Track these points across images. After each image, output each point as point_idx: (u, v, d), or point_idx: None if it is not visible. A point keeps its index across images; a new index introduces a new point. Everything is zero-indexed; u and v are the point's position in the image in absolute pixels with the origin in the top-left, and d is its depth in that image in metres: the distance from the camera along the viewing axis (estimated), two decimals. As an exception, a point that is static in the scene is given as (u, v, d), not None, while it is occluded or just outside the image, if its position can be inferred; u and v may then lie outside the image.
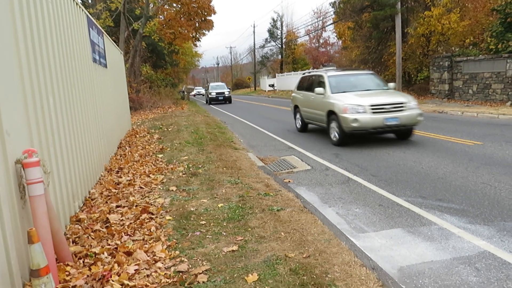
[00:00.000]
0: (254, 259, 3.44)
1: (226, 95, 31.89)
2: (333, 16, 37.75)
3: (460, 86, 19.93)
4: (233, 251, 3.62)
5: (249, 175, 6.42)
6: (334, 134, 9.43)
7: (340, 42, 41.72)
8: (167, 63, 30.68)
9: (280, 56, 55.08)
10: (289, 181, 6.48)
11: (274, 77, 53.14)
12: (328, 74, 10.55)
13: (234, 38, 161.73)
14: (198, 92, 45.04)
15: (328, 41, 58.18)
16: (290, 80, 44.33)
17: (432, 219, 4.52)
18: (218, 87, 33.26)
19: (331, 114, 9.46)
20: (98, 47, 7.53)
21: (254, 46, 61.76)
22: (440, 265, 3.46)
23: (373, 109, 8.71)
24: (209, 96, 32.03)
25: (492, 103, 17.39)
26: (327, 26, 50.23)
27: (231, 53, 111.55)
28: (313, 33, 56.55)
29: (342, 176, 6.64)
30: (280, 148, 9.66)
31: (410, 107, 9.02)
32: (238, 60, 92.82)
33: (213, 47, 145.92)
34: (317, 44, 58.29)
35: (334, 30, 41.30)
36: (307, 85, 11.62)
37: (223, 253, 3.59)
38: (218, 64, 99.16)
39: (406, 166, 7.01)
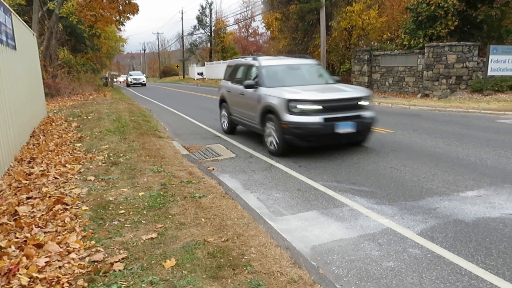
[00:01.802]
0: (173, 245, 3.46)
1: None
2: (262, 6, 38.18)
3: (378, 78, 21.32)
4: (152, 238, 3.60)
5: (172, 164, 6.36)
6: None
7: (269, 32, 42.34)
8: (87, 47, 28.90)
9: (209, 44, 54.50)
10: (213, 169, 6.53)
11: (203, 65, 52.57)
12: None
13: (162, 24, 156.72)
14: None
15: (257, 31, 58.78)
16: (219, 68, 44.12)
17: (345, 201, 4.85)
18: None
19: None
20: (4, 27, 6.91)
21: (183, 33, 60.49)
22: (348, 242, 3.75)
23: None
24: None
25: (405, 95, 18.86)
26: (256, 16, 50.66)
27: (158, 39, 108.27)
28: (242, 22, 56.74)
29: (265, 163, 6.83)
30: (206, 136, 9.66)
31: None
32: (166, 47, 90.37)
33: (139, 32, 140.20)
34: (246, 34, 58.60)
35: (262, 20, 41.76)
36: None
37: (141, 241, 3.55)
38: (144, 50, 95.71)
39: (325, 153, 7.39)
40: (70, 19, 24.22)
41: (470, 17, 18.17)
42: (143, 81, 44.64)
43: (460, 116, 12.14)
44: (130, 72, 52.32)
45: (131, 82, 44.30)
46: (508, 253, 3.41)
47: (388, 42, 23.11)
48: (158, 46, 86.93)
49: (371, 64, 21.67)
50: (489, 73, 15.93)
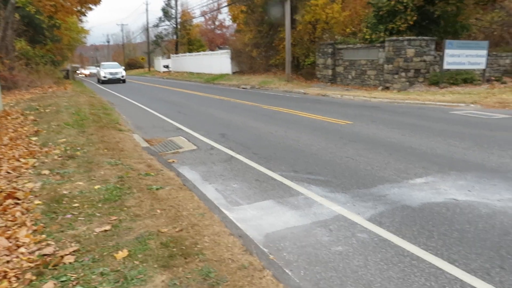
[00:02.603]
0: (126, 236, 3.46)
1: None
2: (228, -2, 37.94)
3: (342, 71, 21.75)
4: (105, 231, 3.58)
5: (131, 156, 6.30)
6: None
7: (235, 25, 42.17)
8: (47, 38, 27.77)
9: (175, 37, 53.68)
10: (173, 161, 6.51)
11: (169, 57, 51.77)
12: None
13: (126, 15, 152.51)
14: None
15: (223, 24, 58.37)
16: (186, 61, 43.64)
17: (300, 190, 4.98)
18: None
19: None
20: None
21: (148, 25, 59.20)
22: (301, 229, 3.87)
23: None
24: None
25: (367, 88, 19.36)
26: (222, 8, 50.27)
27: (122, 30, 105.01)
28: (209, 15, 56.18)
29: (225, 155, 6.88)
30: (168, 129, 9.59)
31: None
32: (131, 39, 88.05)
33: (102, 23, 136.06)
34: (212, 26, 58.09)
35: (229, 13, 41.53)
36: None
37: (94, 233, 3.53)
38: (108, 42, 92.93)
39: (285, 144, 7.53)
40: (27, 9, 23.22)
41: (428, 13, 18.80)
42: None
43: (417, 108, 12.62)
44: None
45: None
46: (448, 234, 3.64)
47: (351, 36, 23.55)
48: (123, 38, 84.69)
49: (335, 57, 22.07)
50: (445, 66, 16.60)
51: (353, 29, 24.80)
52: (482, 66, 17.34)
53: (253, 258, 3.13)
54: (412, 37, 17.38)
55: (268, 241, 3.66)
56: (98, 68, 37.60)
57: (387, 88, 18.05)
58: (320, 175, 5.55)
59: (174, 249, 3.21)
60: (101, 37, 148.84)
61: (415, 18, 18.34)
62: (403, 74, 17.43)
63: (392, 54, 17.72)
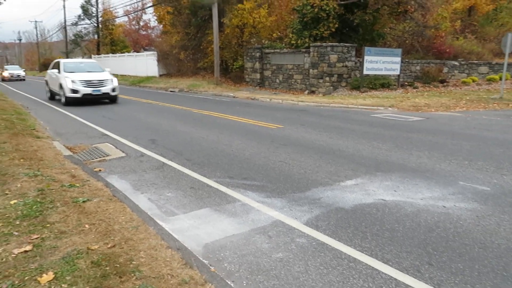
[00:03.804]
0: (51, 257, 3.15)
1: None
2: (153, -2, 36.88)
3: (269, 75, 22.18)
4: (25, 251, 3.23)
5: (52, 166, 5.79)
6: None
7: (161, 26, 41.09)
8: None
9: (96, 36, 50.90)
10: (100, 170, 6.11)
11: (91, 58, 48.96)
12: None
13: (40, 12, 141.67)
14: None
15: (149, 24, 56.56)
16: (108, 62, 41.50)
17: (237, 196, 4.93)
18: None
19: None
20: None
21: (65, 23, 55.38)
22: (240, 237, 3.82)
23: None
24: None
25: (294, 91, 19.95)
26: (146, 8, 48.67)
27: (36, 28, 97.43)
28: (133, 15, 54.11)
29: (157, 162, 6.62)
30: (92, 135, 9.01)
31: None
32: (47, 37, 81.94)
33: (13, 19, 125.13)
34: (137, 27, 56.07)
35: (154, 13, 40.35)
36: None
37: (12, 255, 3.16)
38: (20, 39, 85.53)
39: (218, 149, 7.44)
40: None
41: (348, 21, 19.93)
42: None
43: (342, 111, 13.25)
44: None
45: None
46: (380, 235, 3.82)
47: (278, 41, 24.14)
48: (37, 35, 78.46)
49: (263, 61, 22.45)
50: (365, 72, 17.67)
51: (279, 34, 25.44)
52: (397, 72, 18.74)
53: (193, 271, 3.01)
54: (334, 44, 18.25)
55: (208, 251, 3.55)
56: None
57: (313, 92, 18.75)
58: (256, 180, 5.55)
59: (107, 268, 2.97)
60: (11, 34, 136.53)
61: (336, 25, 19.32)
62: (327, 78, 18.22)
63: (317, 60, 18.45)
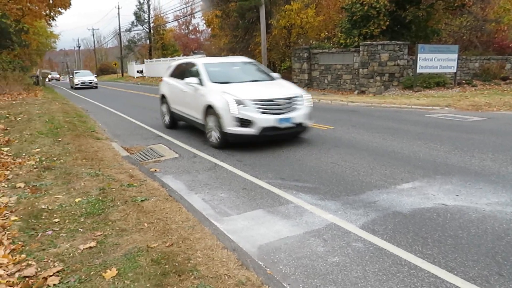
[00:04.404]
0: (113, 253, 3.28)
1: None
2: (201, 2, 37.74)
3: (318, 76, 21.92)
4: (90, 247, 3.39)
5: (112, 166, 6.06)
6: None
7: (210, 30, 41.98)
8: (14, 43, 26.74)
9: (148, 41, 52.93)
10: (155, 170, 6.32)
11: (143, 63, 50.99)
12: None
13: (97, 20, 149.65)
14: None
15: (198, 28, 58.05)
16: (159, 66, 43.02)
17: (290, 198, 4.90)
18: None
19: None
20: None
21: (120, 29, 58.07)
22: (294, 240, 3.78)
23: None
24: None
25: (343, 92, 19.57)
26: (195, 12, 49.98)
27: (94, 35, 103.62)
28: (182, 19, 55.74)
29: (209, 163, 6.73)
30: (147, 136, 9.35)
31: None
32: (103, 44, 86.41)
33: (73, 28, 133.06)
34: (186, 31, 57.66)
35: (203, 18, 41.31)
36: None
37: (79, 251, 3.33)
38: (79, 47, 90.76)
39: (269, 150, 7.44)
40: (-7, 12, 22.35)
41: (400, 18, 19.24)
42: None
43: (394, 111, 12.80)
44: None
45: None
46: (442, 241, 3.62)
47: (326, 41, 23.83)
48: (94, 42, 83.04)
49: (311, 62, 22.22)
50: (418, 70, 16.96)
51: (327, 33, 25.11)
52: (453, 70, 17.82)
53: (249, 273, 3.01)
54: (386, 42, 17.70)
55: (262, 253, 3.55)
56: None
57: (363, 92, 18.29)
58: (308, 182, 5.49)
59: (166, 266, 3.05)
60: (71, 42, 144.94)
61: (387, 23, 18.72)
62: (378, 78, 17.70)
63: (367, 59, 17.98)
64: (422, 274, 3.11)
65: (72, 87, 33.62)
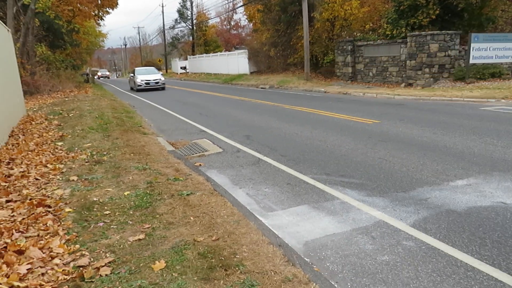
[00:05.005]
0: (161, 246, 3.33)
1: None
2: (243, -2, 37.81)
3: (362, 69, 21.36)
4: (139, 239, 3.47)
5: (158, 161, 6.20)
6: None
7: (251, 24, 42.02)
8: (66, 43, 28.15)
9: (191, 38, 53.84)
10: (200, 165, 6.39)
11: (186, 59, 51.96)
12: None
13: (142, 18, 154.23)
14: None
15: (239, 24, 58.33)
16: (202, 62, 43.73)
17: (335, 194, 4.78)
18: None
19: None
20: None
21: (164, 27, 59.47)
22: (341, 237, 3.68)
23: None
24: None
25: (389, 85, 18.94)
26: (237, 8, 50.17)
27: (139, 33, 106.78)
28: (224, 15, 56.20)
29: (252, 157, 6.72)
30: (191, 131, 9.50)
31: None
32: (147, 41, 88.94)
33: (119, 26, 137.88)
34: (228, 26, 58.10)
35: (244, 13, 41.40)
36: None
37: (128, 242, 3.41)
38: (125, 45, 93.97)
39: (313, 145, 7.32)
40: (47, 14, 23.56)
41: (451, 6, 18.27)
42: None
43: (444, 104, 12.22)
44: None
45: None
46: (502, 242, 3.39)
47: (371, 33, 23.14)
48: (140, 40, 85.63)
49: (355, 54, 21.69)
50: (471, 61, 16.08)
51: (372, 25, 24.38)
52: (511, 60, 16.73)
53: (296, 269, 2.95)
54: (435, 32, 16.91)
55: (309, 250, 3.48)
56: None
57: (410, 84, 17.61)
58: (354, 178, 5.33)
59: (213, 260, 3.06)
60: (118, 40, 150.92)
61: (437, 12, 17.85)
62: (426, 70, 16.97)
63: (414, 50, 17.28)
64: (481, 276, 2.92)
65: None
